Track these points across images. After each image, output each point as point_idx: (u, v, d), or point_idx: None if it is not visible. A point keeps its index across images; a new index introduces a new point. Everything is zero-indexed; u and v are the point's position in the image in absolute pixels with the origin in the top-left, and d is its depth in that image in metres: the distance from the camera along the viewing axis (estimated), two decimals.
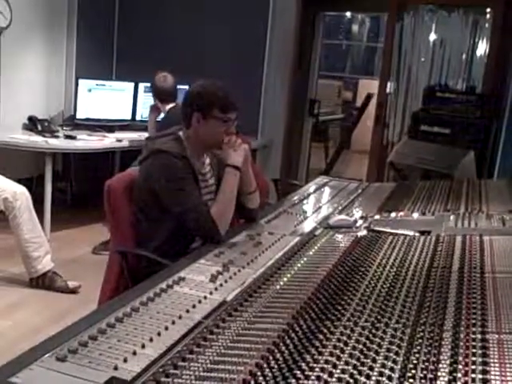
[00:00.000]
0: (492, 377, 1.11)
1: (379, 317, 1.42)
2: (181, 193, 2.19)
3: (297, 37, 5.68)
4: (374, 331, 1.33)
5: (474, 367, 1.14)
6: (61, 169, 5.71)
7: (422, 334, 1.31)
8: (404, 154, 4.14)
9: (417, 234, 2.28)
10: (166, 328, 1.40)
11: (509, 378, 1.11)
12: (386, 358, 1.20)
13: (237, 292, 1.68)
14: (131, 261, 2.31)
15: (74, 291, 3.76)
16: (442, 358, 1.19)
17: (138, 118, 5.60)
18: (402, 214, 2.70)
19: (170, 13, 5.90)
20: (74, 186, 5.79)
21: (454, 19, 5.39)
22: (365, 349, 1.24)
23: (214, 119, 2.26)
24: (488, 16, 5.35)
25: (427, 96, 5.08)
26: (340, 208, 2.87)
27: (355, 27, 13.49)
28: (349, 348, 1.25)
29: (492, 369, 1.14)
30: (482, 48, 5.38)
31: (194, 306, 1.55)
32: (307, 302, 1.54)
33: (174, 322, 1.44)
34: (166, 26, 5.89)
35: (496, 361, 1.17)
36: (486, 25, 5.37)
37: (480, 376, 1.11)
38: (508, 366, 1.15)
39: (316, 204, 3.02)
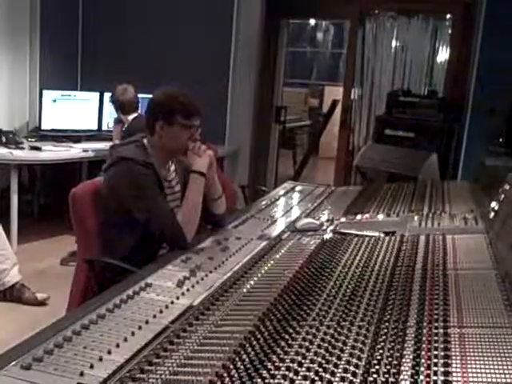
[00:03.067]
0: (454, 369, 1.14)
1: (344, 316, 1.44)
2: (146, 200, 2.19)
3: (261, 44, 5.72)
4: (339, 330, 1.35)
5: (436, 361, 1.17)
6: (26, 180, 5.64)
7: (385, 330, 1.33)
8: (369, 158, 4.20)
9: (381, 235, 2.31)
10: (133, 333, 1.40)
11: (469, 371, 1.14)
12: (351, 354, 1.22)
13: (204, 296, 1.68)
14: (98, 269, 2.29)
15: (42, 303, 3.72)
16: (405, 353, 1.22)
17: (104, 127, 5.57)
18: (367, 216, 2.73)
19: (133, 22, 5.90)
20: (40, 197, 5.72)
21: (415, 25, 5.49)
22: (330, 347, 1.26)
23: (177, 125, 2.27)
24: (447, 22, 5.47)
25: (391, 101, 5.16)
26: (307, 212, 2.89)
27: (319, 34, 13.62)
28: (314, 347, 1.27)
29: (453, 362, 1.17)
30: (443, 53, 5.49)
31: (160, 311, 1.55)
32: (273, 303, 1.55)
33: (140, 328, 1.44)
34: (129, 34, 5.89)
35: (458, 354, 1.20)
36: (447, 30, 5.48)
37: (442, 369, 1.14)
38: (469, 358, 1.18)
39: (283, 208, 3.04)
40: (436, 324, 1.35)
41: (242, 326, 1.41)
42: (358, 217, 2.72)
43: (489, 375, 1.11)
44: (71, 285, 2.45)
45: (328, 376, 1.13)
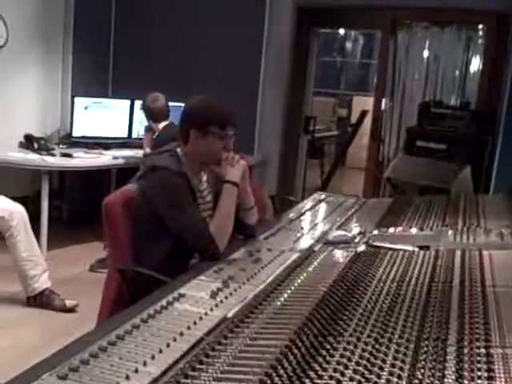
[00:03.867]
0: None
1: (382, 332, 1.41)
2: (179, 209, 2.19)
3: (292, 53, 5.71)
4: (377, 346, 1.33)
5: (479, 382, 1.14)
6: (57, 187, 5.69)
7: (425, 349, 1.30)
8: (400, 170, 4.16)
9: (416, 249, 2.28)
10: (168, 345, 1.39)
11: None
12: (391, 373, 1.20)
13: (237, 308, 1.67)
14: (130, 278, 2.29)
15: (71, 310, 3.74)
16: (446, 372, 1.19)
17: (134, 135, 5.61)
18: (400, 229, 2.69)
19: (164, 30, 5.92)
20: (70, 203, 5.77)
21: (447, 35, 5.43)
22: (369, 364, 1.24)
23: (211, 135, 2.27)
24: (481, 32, 5.40)
25: (422, 112, 5.10)
26: (338, 224, 2.86)
27: (349, 44, 13.61)
28: (352, 364, 1.25)
29: (497, 383, 1.14)
30: (476, 64, 5.42)
31: (194, 323, 1.54)
32: (309, 317, 1.53)
33: (175, 339, 1.42)
34: (160, 42, 5.91)
35: (502, 376, 1.17)
36: (479, 41, 5.42)
37: None
38: None
39: (313, 220, 3.01)
40: (478, 343, 1.31)
41: (277, 340, 1.39)
42: (391, 230, 2.68)
43: None
44: (102, 293, 2.45)
45: None
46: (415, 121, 5.30)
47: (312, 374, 1.20)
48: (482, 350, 1.28)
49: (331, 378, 1.18)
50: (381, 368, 1.22)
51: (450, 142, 4.88)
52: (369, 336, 1.40)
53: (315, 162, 8.97)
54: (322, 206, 3.40)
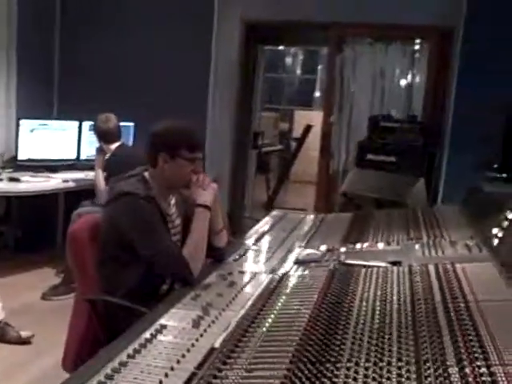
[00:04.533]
0: None
1: (379, 355, 1.39)
2: (150, 235, 2.13)
3: (241, 70, 5.71)
4: (378, 371, 1.31)
5: None
6: (3, 212, 5.47)
7: (428, 371, 1.29)
8: (356, 184, 4.19)
9: (388, 266, 2.28)
10: (161, 382, 1.33)
11: None
12: None
13: (223, 337, 1.62)
14: (99, 308, 2.20)
15: (26, 341, 3.57)
16: None
17: (82, 157, 5.46)
18: (366, 244, 2.70)
19: (111, 47, 5.81)
20: (17, 229, 5.55)
21: (393, 51, 5.55)
22: None
23: (181, 159, 2.22)
24: (425, 47, 5.53)
25: (372, 125, 5.19)
26: (304, 242, 2.85)
27: (288, 60, 13.76)
28: None
29: None
30: (421, 77, 5.55)
31: (183, 356, 1.48)
32: (300, 344, 1.49)
33: (167, 375, 1.37)
34: (107, 60, 5.80)
35: None
36: (424, 56, 5.55)
37: None
38: None
39: (278, 239, 2.97)
40: (478, 363, 1.30)
41: (274, 370, 1.35)
42: (358, 246, 2.68)
43: None
44: (69, 323, 2.35)
45: None
46: (364, 134, 5.38)
47: None
48: (484, 370, 1.27)
49: None
50: None
51: (399, 155, 4.97)
52: (367, 360, 1.37)
53: (261, 177, 9.00)
54: (283, 224, 3.38)
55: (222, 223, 2.41)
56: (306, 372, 1.32)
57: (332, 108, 5.69)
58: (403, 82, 5.64)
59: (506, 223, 2.42)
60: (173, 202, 2.40)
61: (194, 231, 2.21)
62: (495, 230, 2.47)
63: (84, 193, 4.85)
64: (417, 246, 2.57)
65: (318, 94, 12.94)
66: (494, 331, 1.49)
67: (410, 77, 5.61)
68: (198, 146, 2.25)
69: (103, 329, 2.15)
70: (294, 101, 13.40)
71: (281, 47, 11.39)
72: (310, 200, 7.47)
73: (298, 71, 13.75)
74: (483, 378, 1.23)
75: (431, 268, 2.16)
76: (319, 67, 12.65)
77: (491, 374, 1.25)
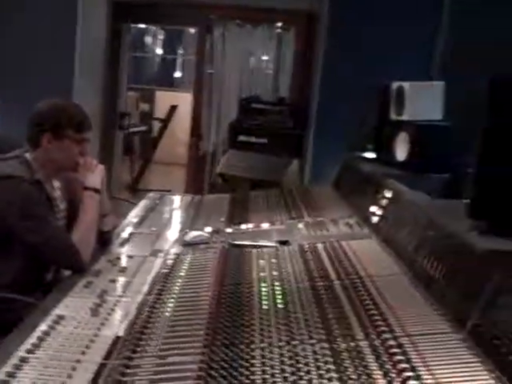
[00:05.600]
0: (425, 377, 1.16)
1: (290, 334, 1.41)
2: (37, 221, 1.99)
3: (107, 49, 5.50)
4: (293, 349, 1.32)
5: (407, 374, 1.18)
6: None
7: (343, 345, 1.32)
8: (231, 165, 4.21)
9: (277, 245, 2.31)
10: (70, 376, 1.26)
11: (438, 375, 1.16)
12: (320, 376, 1.20)
13: (126, 325, 1.56)
14: None
15: None
16: (372, 367, 1.22)
17: None
18: (251, 225, 2.72)
19: None
20: None
21: (261, 33, 5.61)
22: (294, 369, 1.23)
23: (67, 139, 2.09)
24: (291, 30, 5.64)
25: (242, 107, 5.23)
26: (187, 223, 2.82)
27: (148, 39, 13.45)
28: (277, 370, 1.23)
29: (421, 370, 1.19)
30: (288, 60, 5.66)
31: (87, 347, 1.41)
32: (209, 327, 1.48)
33: (74, 368, 1.29)
34: None
35: (420, 363, 1.22)
36: (290, 38, 5.66)
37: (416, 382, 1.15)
38: (432, 363, 1.21)
39: (160, 221, 2.92)
40: (386, 336, 1.36)
41: (190, 356, 1.32)
42: (243, 226, 2.69)
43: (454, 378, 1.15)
44: None
45: None
46: (234, 116, 5.41)
47: None
48: (393, 342, 1.33)
49: None
50: (308, 372, 1.21)
51: (270, 137, 5.06)
52: (280, 340, 1.39)
53: (125, 158, 8.75)
54: (162, 206, 3.31)
55: (110, 206, 2.32)
56: (223, 355, 1.31)
57: (201, 89, 5.66)
58: (271, 65, 5.72)
59: (384, 201, 2.54)
60: (57, 184, 2.25)
61: (83, 215, 2.10)
62: (373, 208, 2.58)
63: None
64: (300, 225, 2.63)
65: (179, 74, 12.80)
66: (392, 304, 1.57)
67: (277, 59, 5.70)
68: (87, 127, 2.13)
69: None
70: (154, 81, 13.15)
71: (142, 26, 11.09)
72: (176, 181, 7.43)
73: (159, 51, 13.49)
74: (393, 350, 1.29)
75: (320, 246, 2.22)
76: (181, 47, 12.51)
77: (399, 345, 1.31)
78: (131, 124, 8.33)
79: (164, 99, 11.07)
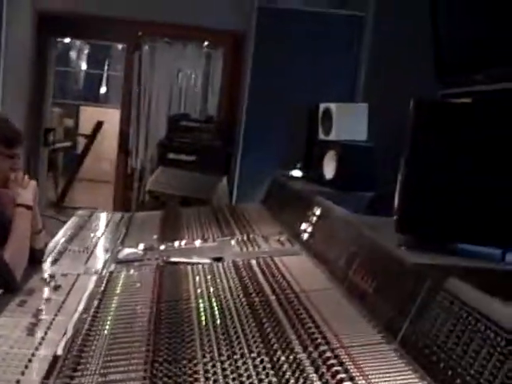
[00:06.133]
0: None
1: (230, 349, 1.44)
2: None
3: (33, 63, 5.40)
4: (234, 364, 1.36)
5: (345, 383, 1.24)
6: None
7: (281, 359, 1.37)
8: (161, 182, 4.22)
9: (212, 262, 2.34)
10: None
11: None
12: None
13: (64, 344, 1.55)
14: None
15: None
16: (313, 378, 1.27)
17: None
18: (184, 242, 2.75)
19: None
20: None
21: (190, 51, 5.66)
22: (238, 383, 1.26)
23: None
24: (220, 49, 5.73)
25: (171, 125, 5.25)
26: (119, 240, 2.81)
27: (73, 54, 13.24)
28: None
29: (359, 379, 1.25)
30: (217, 78, 5.74)
31: (26, 367, 1.40)
32: (149, 344, 1.49)
33: None
34: None
35: (357, 372, 1.28)
36: (218, 57, 5.74)
37: None
38: (368, 373, 1.27)
39: (92, 239, 2.89)
40: (323, 348, 1.42)
41: (132, 372, 1.33)
42: (176, 243, 2.71)
43: None
44: None
45: None
46: (163, 133, 5.42)
47: None
48: (330, 354, 1.38)
49: None
50: None
51: (199, 154, 5.10)
52: (220, 355, 1.42)
53: (49, 174, 8.57)
54: (93, 224, 3.29)
55: (41, 223, 2.29)
56: (166, 371, 1.33)
57: (130, 105, 5.64)
58: (199, 83, 5.78)
59: (313, 218, 2.62)
60: None
61: (15, 233, 2.07)
62: (303, 225, 2.66)
63: None
64: (233, 242, 2.68)
65: (104, 89, 12.67)
66: (328, 318, 1.63)
67: (206, 78, 5.76)
68: (18, 142, 2.10)
69: None
70: (78, 96, 12.94)
71: (67, 40, 10.93)
72: (102, 199, 7.34)
73: (83, 66, 13.29)
74: (331, 361, 1.35)
75: (253, 262, 2.26)
76: (106, 63, 12.39)
77: (336, 357, 1.37)
78: (56, 140, 8.19)
79: (89, 115, 10.93)
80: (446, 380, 1.18)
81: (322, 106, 3.25)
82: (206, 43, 5.69)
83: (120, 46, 8.02)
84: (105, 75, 12.52)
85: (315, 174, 3.26)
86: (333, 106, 3.19)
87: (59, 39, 6.29)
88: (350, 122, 3.18)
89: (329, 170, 3.16)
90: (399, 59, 3.97)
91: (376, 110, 3.38)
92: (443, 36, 2.13)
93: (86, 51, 13.13)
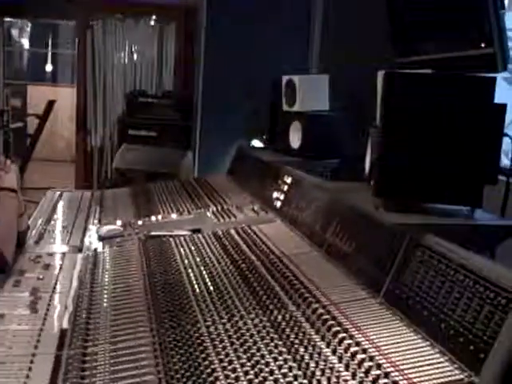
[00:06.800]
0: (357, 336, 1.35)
1: (229, 311, 1.55)
2: None
3: None
4: (235, 324, 1.47)
5: (341, 335, 1.36)
6: None
7: (278, 318, 1.48)
8: (127, 159, 4.26)
9: (192, 234, 2.43)
10: (30, 369, 1.32)
11: (368, 334, 1.36)
12: (267, 344, 1.35)
13: (67, 318, 1.63)
14: None
15: None
16: (311, 334, 1.39)
17: None
18: (160, 216, 2.83)
19: None
20: None
21: (142, 28, 5.65)
22: (242, 341, 1.37)
23: None
24: (172, 24, 5.73)
25: (129, 102, 5.26)
26: (95, 218, 2.86)
27: (15, 32, 12.90)
28: (227, 344, 1.37)
29: (352, 330, 1.38)
30: (171, 54, 5.75)
31: (38, 341, 1.47)
32: (150, 313, 1.59)
33: (32, 362, 1.36)
34: None
35: (350, 325, 1.41)
36: (171, 32, 5.75)
37: (355, 349, 1.33)
38: (360, 325, 1.40)
39: (69, 218, 2.94)
40: (314, 305, 1.54)
41: (143, 339, 1.43)
42: (153, 218, 2.79)
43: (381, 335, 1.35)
44: None
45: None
46: (120, 111, 5.43)
47: (206, 363, 1.29)
48: (322, 310, 1.51)
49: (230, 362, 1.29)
50: (255, 342, 1.36)
51: (159, 130, 5.14)
52: (221, 318, 1.52)
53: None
54: (65, 203, 3.32)
55: (24, 206, 2.33)
56: (174, 335, 1.43)
57: (85, 83, 5.61)
58: (154, 59, 5.78)
59: (284, 186, 2.73)
60: None
61: (2, 215, 2.11)
62: (276, 194, 2.77)
63: None
64: (208, 214, 2.77)
65: (50, 68, 12.43)
66: (313, 278, 1.75)
67: (160, 53, 5.77)
68: None
69: None
70: (24, 76, 12.65)
71: (8, 19, 10.65)
72: (60, 178, 7.28)
73: (27, 45, 12.97)
74: (324, 317, 1.47)
75: (233, 232, 2.37)
76: (50, 41, 12.14)
77: (328, 312, 1.50)
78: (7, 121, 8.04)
79: (37, 94, 10.73)
80: (431, 325, 1.32)
81: (285, 78, 3.34)
82: (154, 17, 5.66)
83: (63, 23, 7.86)
84: (49, 54, 12.26)
85: (281, 144, 3.37)
86: (296, 78, 3.28)
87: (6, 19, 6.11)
88: (312, 92, 3.29)
89: (294, 140, 3.27)
90: (354, 28, 4.08)
91: (335, 78, 3.49)
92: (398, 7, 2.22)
93: (27, 29, 12.82)
